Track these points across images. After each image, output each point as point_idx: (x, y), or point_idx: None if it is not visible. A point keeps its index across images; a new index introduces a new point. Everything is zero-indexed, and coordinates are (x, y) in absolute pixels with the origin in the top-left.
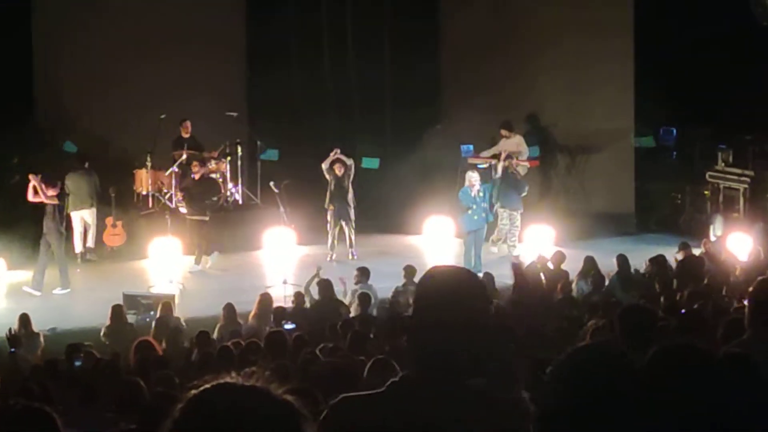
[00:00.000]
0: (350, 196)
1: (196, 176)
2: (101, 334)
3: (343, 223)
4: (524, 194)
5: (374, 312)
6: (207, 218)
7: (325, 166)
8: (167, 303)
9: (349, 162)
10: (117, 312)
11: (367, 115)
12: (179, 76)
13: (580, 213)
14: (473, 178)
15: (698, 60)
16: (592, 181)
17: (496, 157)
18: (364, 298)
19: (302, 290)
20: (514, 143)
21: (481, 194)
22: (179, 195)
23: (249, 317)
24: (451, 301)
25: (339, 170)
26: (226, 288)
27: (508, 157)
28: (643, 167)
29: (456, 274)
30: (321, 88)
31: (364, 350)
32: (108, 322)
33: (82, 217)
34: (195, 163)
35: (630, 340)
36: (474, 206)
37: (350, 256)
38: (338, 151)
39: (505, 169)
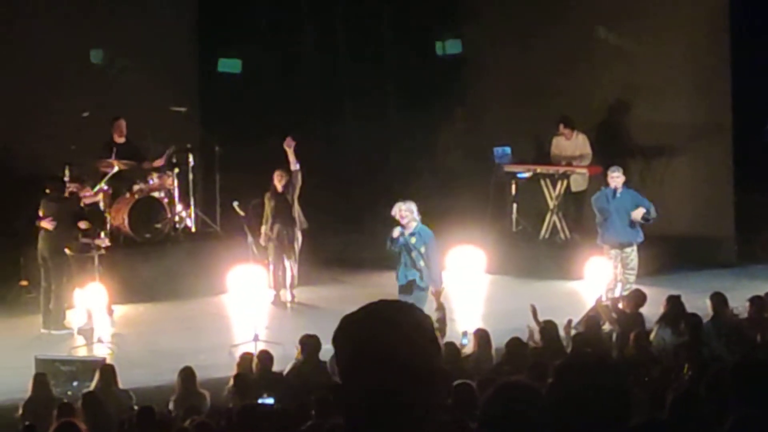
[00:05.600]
0: (294, 216)
1: (85, 199)
2: (20, 411)
3: (284, 254)
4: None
5: None
6: (102, 249)
7: (296, 166)
8: (108, 369)
9: (295, 167)
10: (41, 383)
11: (364, 107)
12: (108, 58)
13: (659, 237)
14: (403, 209)
15: None
16: (675, 194)
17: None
18: None
19: (270, 348)
20: (576, 145)
21: (413, 240)
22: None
23: (228, 385)
24: (379, 360)
25: (279, 181)
26: (177, 348)
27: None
28: (746, 173)
29: (381, 320)
30: (300, 70)
31: None
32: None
33: None
34: (74, 185)
35: (745, 406)
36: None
37: (289, 299)
38: (293, 144)
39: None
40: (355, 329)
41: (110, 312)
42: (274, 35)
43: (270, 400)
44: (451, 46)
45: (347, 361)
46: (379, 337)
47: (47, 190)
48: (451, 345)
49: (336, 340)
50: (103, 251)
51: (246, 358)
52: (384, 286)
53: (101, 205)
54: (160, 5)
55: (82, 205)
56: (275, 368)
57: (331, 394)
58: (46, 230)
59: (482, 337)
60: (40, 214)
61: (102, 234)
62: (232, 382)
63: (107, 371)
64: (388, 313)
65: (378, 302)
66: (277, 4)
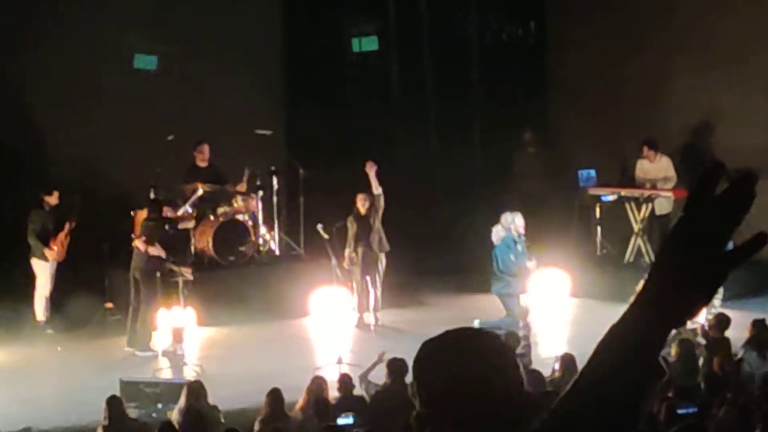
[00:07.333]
0: (377, 239)
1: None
2: None
3: (368, 277)
4: None
5: None
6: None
7: (378, 189)
8: (196, 385)
9: (377, 190)
10: (114, 406)
11: (449, 132)
12: (192, 83)
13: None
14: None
15: None
16: (760, 216)
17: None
18: None
19: (359, 375)
20: (660, 167)
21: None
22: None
23: (295, 409)
24: (467, 389)
25: (362, 204)
26: (261, 370)
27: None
28: None
29: (467, 348)
30: (385, 96)
31: None
32: (105, 421)
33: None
34: (167, 209)
35: None
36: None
37: (372, 321)
38: (374, 168)
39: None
40: (440, 358)
41: (191, 335)
42: (359, 60)
43: (350, 420)
44: None
45: (433, 390)
46: (466, 366)
47: (148, 213)
48: (536, 373)
49: (419, 368)
50: (187, 277)
51: (316, 381)
52: (466, 308)
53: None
54: (246, 29)
55: (175, 228)
56: (357, 392)
57: (416, 421)
58: (139, 250)
59: (568, 361)
60: (137, 232)
61: (187, 262)
62: (300, 404)
63: (196, 387)
64: (473, 341)
65: (459, 330)
66: (365, 25)
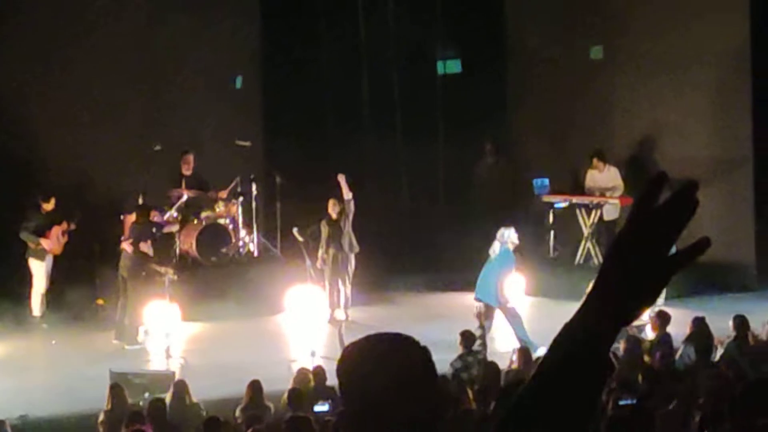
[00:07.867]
0: (348, 241)
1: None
2: (99, 421)
3: (339, 277)
4: None
5: None
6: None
7: (348, 195)
8: (181, 384)
9: (347, 196)
10: (117, 393)
11: (415, 142)
12: (177, 95)
13: None
14: (512, 236)
15: None
16: (700, 223)
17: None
18: None
19: (323, 365)
20: (608, 177)
21: None
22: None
23: (282, 398)
24: (388, 398)
25: (333, 209)
26: (240, 362)
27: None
28: (767, 203)
29: (389, 352)
30: (356, 108)
31: None
32: (107, 406)
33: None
34: (155, 213)
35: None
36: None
37: (343, 318)
38: (343, 178)
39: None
40: (360, 362)
41: (177, 330)
42: (332, 71)
43: (325, 407)
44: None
45: (355, 391)
46: (383, 369)
47: (136, 216)
48: (492, 364)
49: (341, 372)
50: (171, 276)
51: (302, 372)
52: (431, 306)
53: (174, 233)
54: (225, 42)
55: (160, 231)
56: (330, 382)
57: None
58: (127, 251)
59: (525, 354)
60: (125, 235)
61: (171, 263)
62: (286, 395)
63: (180, 385)
64: (389, 345)
65: (378, 335)
66: (338, 42)
